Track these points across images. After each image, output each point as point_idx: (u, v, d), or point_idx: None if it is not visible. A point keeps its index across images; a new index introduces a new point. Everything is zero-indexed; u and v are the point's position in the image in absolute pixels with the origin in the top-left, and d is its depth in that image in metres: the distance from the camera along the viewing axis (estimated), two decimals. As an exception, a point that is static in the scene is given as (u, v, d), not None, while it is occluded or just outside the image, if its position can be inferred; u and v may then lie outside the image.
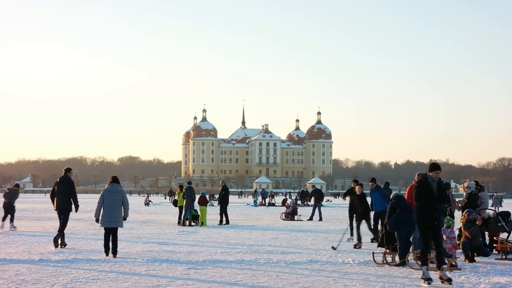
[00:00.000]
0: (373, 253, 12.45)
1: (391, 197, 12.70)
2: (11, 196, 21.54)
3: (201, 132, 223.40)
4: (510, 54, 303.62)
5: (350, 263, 12.12)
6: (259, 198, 61.08)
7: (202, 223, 23.93)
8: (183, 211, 24.37)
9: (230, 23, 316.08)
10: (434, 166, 10.05)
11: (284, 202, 55.86)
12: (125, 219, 13.26)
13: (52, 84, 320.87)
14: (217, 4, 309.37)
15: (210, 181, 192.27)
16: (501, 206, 56.26)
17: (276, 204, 55.38)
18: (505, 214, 14.31)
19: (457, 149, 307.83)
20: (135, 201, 58.39)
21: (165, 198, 65.79)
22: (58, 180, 15.20)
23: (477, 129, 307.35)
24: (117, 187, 13.16)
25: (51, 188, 16.48)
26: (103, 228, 13.11)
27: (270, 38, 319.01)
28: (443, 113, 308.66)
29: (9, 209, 21.14)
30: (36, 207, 42.81)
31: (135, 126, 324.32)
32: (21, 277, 9.96)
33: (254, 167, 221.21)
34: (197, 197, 25.22)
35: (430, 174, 10.00)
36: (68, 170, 15.31)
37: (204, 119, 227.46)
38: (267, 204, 55.65)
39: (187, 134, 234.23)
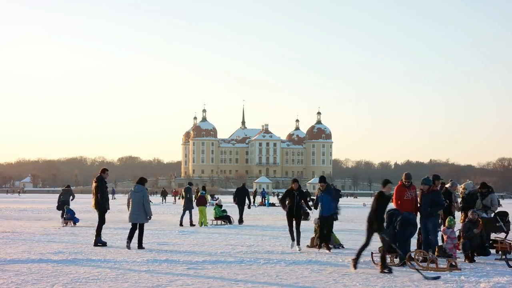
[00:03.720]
0: (372, 253, 12.45)
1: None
2: (68, 195, 24.14)
3: (201, 132, 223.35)
4: (510, 54, 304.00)
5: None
6: (258, 198, 61.04)
7: (202, 223, 23.93)
8: (187, 212, 24.25)
9: (230, 23, 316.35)
10: None
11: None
12: (149, 217, 14.79)
13: (52, 84, 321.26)
14: (217, 4, 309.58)
15: (210, 181, 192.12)
16: (500, 206, 56.24)
17: (276, 204, 55.36)
18: (503, 214, 14.32)
19: (457, 149, 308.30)
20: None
21: (162, 198, 65.48)
22: (94, 179, 15.73)
23: (477, 129, 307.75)
24: (139, 187, 14.89)
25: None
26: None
27: (270, 38, 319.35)
28: (443, 113, 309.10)
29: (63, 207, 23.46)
30: (36, 207, 42.80)
31: (135, 126, 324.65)
32: (21, 277, 9.96)
33: (254, 167, 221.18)
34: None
35: None
36: (102, 171, 15.82)
37: (204, 119, 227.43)
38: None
39: (187, 134, 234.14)
